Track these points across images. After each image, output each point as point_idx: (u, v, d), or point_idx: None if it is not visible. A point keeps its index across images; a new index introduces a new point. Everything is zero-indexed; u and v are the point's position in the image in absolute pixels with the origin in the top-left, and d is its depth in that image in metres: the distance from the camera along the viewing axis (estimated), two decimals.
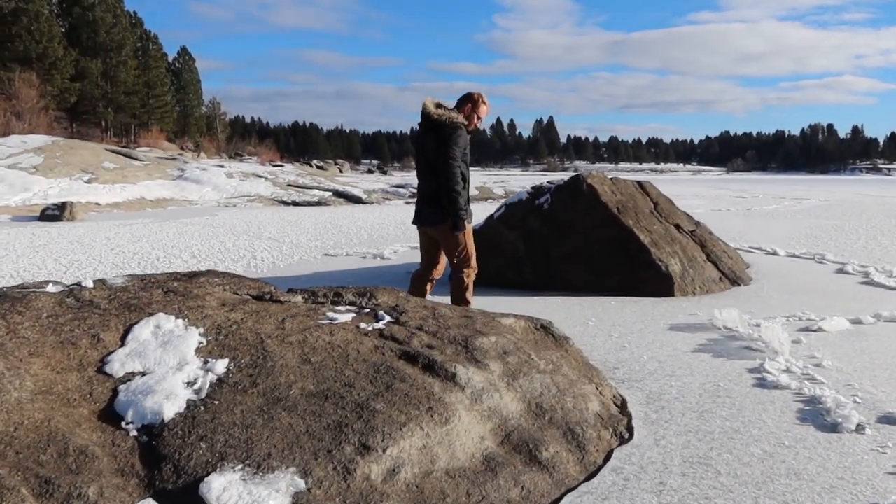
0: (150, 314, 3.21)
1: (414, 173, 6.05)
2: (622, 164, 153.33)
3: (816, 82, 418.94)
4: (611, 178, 8.76)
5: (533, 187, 8.50)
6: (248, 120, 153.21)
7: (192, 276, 3.82)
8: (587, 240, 7.76)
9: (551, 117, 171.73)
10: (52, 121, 50.39)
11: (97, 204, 22.81)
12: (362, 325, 3.56)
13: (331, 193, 27.37)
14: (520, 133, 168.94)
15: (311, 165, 70.63)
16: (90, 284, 3.40)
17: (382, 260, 10.28)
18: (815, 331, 5.76)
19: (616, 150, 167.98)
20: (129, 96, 60.69)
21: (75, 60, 55.06)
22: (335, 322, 3.54)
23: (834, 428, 3.61)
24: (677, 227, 8.65)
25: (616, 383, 4.28)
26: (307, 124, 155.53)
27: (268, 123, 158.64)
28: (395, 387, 2.99)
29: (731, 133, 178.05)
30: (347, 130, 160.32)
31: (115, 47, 58.94)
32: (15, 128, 43.70)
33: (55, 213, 18.39)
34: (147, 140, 58.04)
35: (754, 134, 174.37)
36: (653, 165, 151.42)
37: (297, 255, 10.81)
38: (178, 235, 13.80)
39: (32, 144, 27.20)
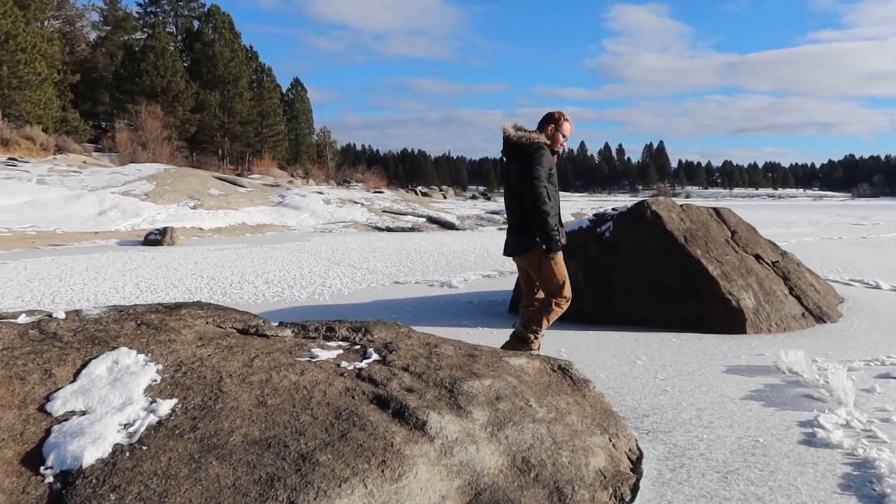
0: (113, 348, 3.08)
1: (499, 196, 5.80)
2: (737, 190, 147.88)
3: None
4: (681, 205, 8.22)
5: (595, 214, 8.08)
6: (358, 147, 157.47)
7: (173, 307, 3.69)
8: (651, 270, 7.27)
9: (661, 142, 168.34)
10: (174, 150, 53.19)
11: (200, 229, 23.70)
12: (343, 364, 3.32)
13: (425, 219, 27.45)
14: (629, 158, 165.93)
15: (415, 192, 71.70)
16: (62, 315, 3.31)
17: (449, 289, 10.04)
18: (894, 378, 5.11)
19: (730, 175, 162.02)
20: (244, 126, 63.32)
21: (195, 93, 58.06)
22: (315, 360, 3.32)
23: (881, 500, 3.08)
24: (757, 257, 8.01)
25: (639, 434, 3.85)
26: (415, 151, 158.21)
27: (377, 151, 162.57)
28: (351, 435, 2.73)
29: (857, 156, 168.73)
30: (455, 157, 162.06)
31: (232, 80, 61.74)
32: (140, 157, 46.46)
33: (157, 238, 19.18)
34: (259, 168, 60.44)
35: (882, 157, 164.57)
36: (770, 191, 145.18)
37: (366, 283, 10.73)
38: (262, 261, 14.04)
39: (146, 172, 28.62)
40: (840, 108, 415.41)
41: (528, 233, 4.84)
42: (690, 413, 4.23)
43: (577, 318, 7.42)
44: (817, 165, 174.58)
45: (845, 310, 8.07)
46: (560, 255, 4.92)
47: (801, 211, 51.68)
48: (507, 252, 5.18)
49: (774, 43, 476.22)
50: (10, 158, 29.19)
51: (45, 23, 59.98)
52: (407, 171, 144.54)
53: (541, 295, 5.19)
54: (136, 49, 56.69)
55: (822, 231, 24.87)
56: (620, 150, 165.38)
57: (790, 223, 31.31)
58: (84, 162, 32.78)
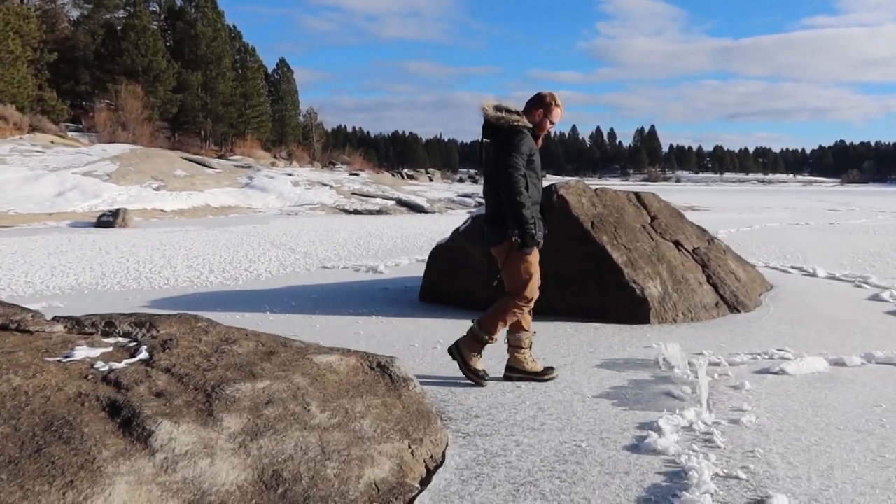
0: None
1: None
2: (727, 175, 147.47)
3: None
4: (596, 189, 7.89)
5: None
6: (349, 130, 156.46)
7: None
8: (556, 258, 6.93)
9: (653, 126, 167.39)
10: (156, 130, 52.53)
11: (162, 210, 23.30)
12: (98, 365, 3.00)
13: (394, 202, 27.10)
14: (620, 142, 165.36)
15: (401, 175, 71.17)
16: None
17: (374, 274, 9.72)
18: (775, 373, 4.81)
19: (721, 160, 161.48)
20: (227, 107, 62.59)
21: (177, 73, 57.26)
22: (67, 360, 2.99)
23: None
24: (677, 244, 7.70)
25: (457, 437, 3.54)
26: (407, 134, 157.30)
27: (369, 133, 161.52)
28: (49, 451, 2.41)
29: (848, 142, 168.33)
30: (446, 140, 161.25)
31: (215, 60, 60.93)
32: (120, 137, 45.81)
33: (109, 219, 18.81)
34: (242, 149, 59.79)
35: (873, 143, 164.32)
36: (760, 176, 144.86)
37: (293, 267, 10.39)
38: (203, 244, 13.68)
39: (112, 153, 28.15)
40: (833, 93, 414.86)
41: (501, 223, 4.39)
42: (528, 413, 3.92)
43: (484, 307, 7.11)
44: (808, 151, 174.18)
45: (768, 298, 7.78)
46: (535, 253, 4.46)
47: (785, 196, 51.51)
48: (482, 240, 4.79)
49: (768, 28, 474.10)
50: None
51: (25, 0, 59.10)
52: (398, 153, 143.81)
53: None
54: (118, 28, 55.86)
55: (795, 217, 24.62)
56: (612, 134, 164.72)
57: (766, 208, 31.08)
58: (52, 142, 32.22)
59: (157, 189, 25.20)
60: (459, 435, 3.58)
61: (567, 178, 8.74)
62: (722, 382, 4.59)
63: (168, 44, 59.79)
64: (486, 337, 4.49)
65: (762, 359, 5.23)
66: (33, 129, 41.10)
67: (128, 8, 61.49)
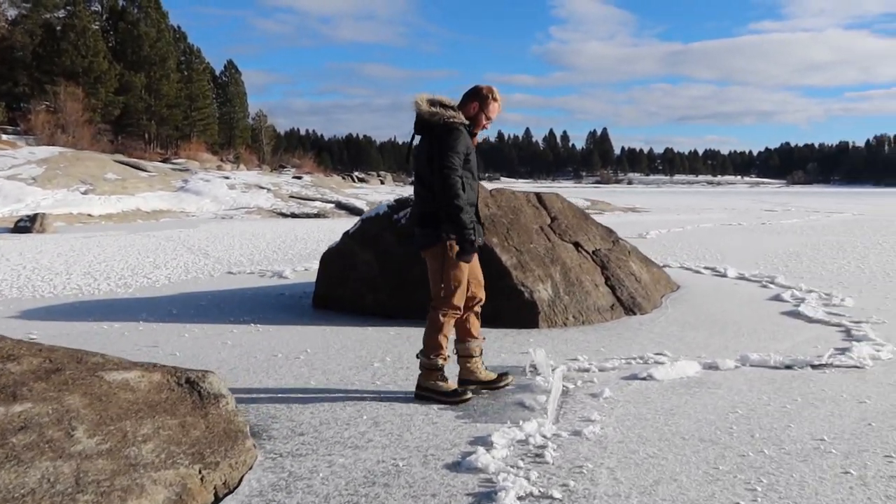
0: None
1: None
2: (677, 176, 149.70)
3: (884, 92, 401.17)
4: (493, 190, 7.67)
5: (396, 200, 7.49)
6: (303, 132, 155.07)
7: None
8: None
9: (605, 129, 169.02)
10: (97, 133, 51.20)
11: (89, 215, 22.57)
12: None
13: (333, 205, 26.71)
14: (573, 145, 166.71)
15: (351, 178, 70.61)
16: None
17: (279, 279, 9.39)
18: (642, 379, 4.62)
19: (671, 162, 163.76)
20: (172, 109, 61.46)
21: (120, 74, 56.00)
22: None
23: None
24: (577, 245, 7.52)
25: (268, 458, 3.25)
26: (361, 137, 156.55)
27: (322, 136, 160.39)
28: None
29: (792, 144, 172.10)
30: (401, 142, 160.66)
31: (159, 61, 59.79)
32: (59, 139, 44.52)
33: (27, 224, 18.11)
34: (187, 152, 58.63)
35: (816, 145, 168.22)
36: (709, 178, 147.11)
37: (196, 273, 9.99)
38: (117, 250, 13.18)
39: (40, 156, 27.29)
40: (779, 97, 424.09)
41: (434, 225, 4.02)
42: (360, 429, 3.64)
43: (376, 312, 6.87)
44: (755, 153, 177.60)
45: (669, 300, 7.65)
46: (475, 258, 4.21)
47: (729, 197, 52.31)
48: (414, 246, 4.28)
49: (717, 33, 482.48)
50: None
51: None
52: (352, 156, 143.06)
53: (479, 290, 4.41)
54: (57, 28, 54.38)
55: (731, 217, 24.86)
56: (565, 137, 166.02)
57: (707, 209, 31.41)
58: None
59: (84, 193, 24.46)
60: (270, 456, 3.28)
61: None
62: (583, 390, 4.38)
63: (110, 44, 58.42)
64: (437, 360, 4.13)
65: (636, 363, 5.04)
66: None
67: (67, 8, 59.87)
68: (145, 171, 28.48)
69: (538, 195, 8.07)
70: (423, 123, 4.10)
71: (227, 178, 28.83)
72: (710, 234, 17.20)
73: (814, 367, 4.98)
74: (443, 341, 4.14)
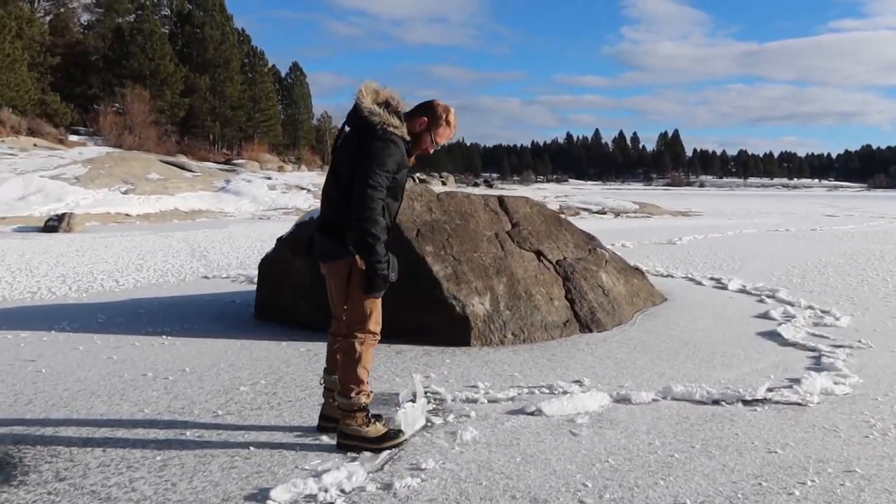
0: None
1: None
2: (751, 180, 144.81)
3: None
4: (441, 193, 7.08)
5: None
6: None
7: None
8: None
9: (676, 130, 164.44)
10: (163, 134, 52.40)
11: (127, 215, 22.81)
12: None
13: None
14: (643, 146, 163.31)
15: (413, 179, 70.48)
16: None
17: (249, 284, 8.97)
18: (529, 413, 4.00)
19: (745, 165, 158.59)
20: (235, 110, 62.49)
21: (185, 76, 57.24)
22: None
23: None
24: (538, 253, 6.87)
25: None
26: None
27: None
28: None
29: (874, 147, 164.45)
30: (468, 144, 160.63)
31: (223, 63, 60.88)
32: (126, 140, 45.79)
33: (55, 224, 18.32)
34: (250, 153, 59.53)
35: None
36: (784, 181, 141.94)
37: (170, 277, 9.70)
38: (122, 250, 13.09)
39: (87, 156, 27.86)
40: (860, 97, 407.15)
41: (338, 236, 3.41)
42: (138, 474, 3.13)
43: (310, 323, 6.37)
44: (834, 156, 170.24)
45: (643, 315, 6.97)
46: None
47: (798, 201, 50.08)
48: (312, 254, 3.65)
49: (794, 32, 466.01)
50: None
51: (35, 3, 59.60)
52: (419, 158, 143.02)
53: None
54: (125, 32, 55.92)
55: (783, 222, 23.54)
56: (635, 138, 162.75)
57: (763, 213, 29.99)
58: (35, 145, 32.04)
59: (125, 193, 24.78)
60: None
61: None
62: (445, 428, 3.78)
63: (176, 47, 59.74)
64: (359, 398, 3.45)
65: (538, 393, 4.41)
66: (32, 132, 41.15)
67: (137, 12, 61.52)
68: (190, 171, 28.78)
69: (500, 199, 7.44)
70: (358, 120, 3.43)
71: (268, 178, 28.91)
72: (747, 240, 16.15)
73: (746, 402, 4.25)
74: (363, 374, 3.47)
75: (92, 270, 10.22)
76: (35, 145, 31.86)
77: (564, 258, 7.05)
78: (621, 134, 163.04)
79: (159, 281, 9.34)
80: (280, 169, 50.78)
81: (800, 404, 4.23)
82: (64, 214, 18.73)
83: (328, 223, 3.48)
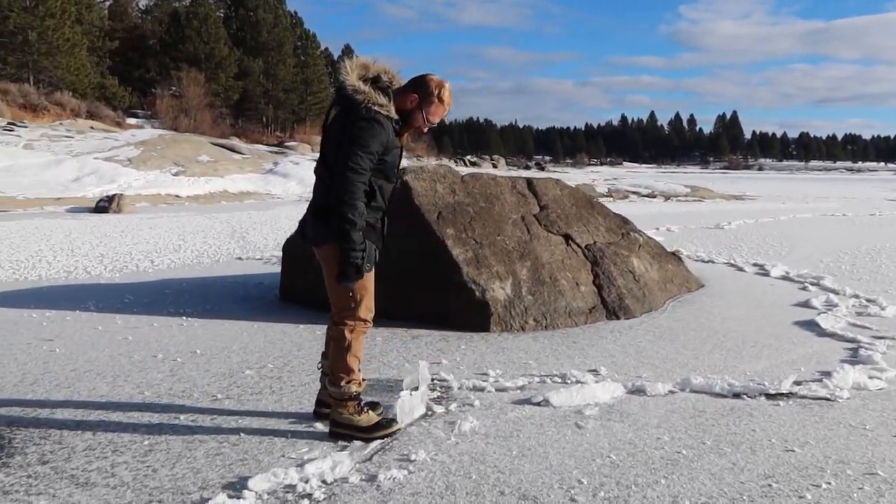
0: None
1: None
2: (813, 163, 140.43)
3: None
4: (466, 175, 6.91)
5: None
6: None
7: None
8: (395, 253, 6.03)
9: (735, 112, 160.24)
10: (217, 117, 53.18)
11: (177, 196, 23.17)
12: None
13: None
14: (700, 129, 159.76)
15: (463, 161, 70.44)
16: None
17: (273, 266, 8.96)
18: (535, 404, 3.85)
19: (807, 148, 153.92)
20: (288, 93, 63.05)
21: (239, 60, 57.90)
22: None
23: None
24: (567, 237, 6.67)
25: None
26: (481, 120, 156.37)
27: (443, 120, 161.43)
28: None
29: None
30: (521, 126, 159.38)
31: (276, 46, 61.38)
32: (182, 123, 46.64)
33: (105, 205, 18.68)
34: (301, 135, 60.04)
35: None
36: (848, 164, 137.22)
37: (205, 257, 9.75)
38: (164, 231, 13.25)
39: (140, 138, 28.33)
40: None
41: (330, 220, 3.24)
42: (122, 458, 3.08)
43: (327, 307, 6.29)
44: None
45: (675, 302, 6.74)
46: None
47: (861, 185, 48.24)
48: (304, 238, 3.54)
49: (862, 8, 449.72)
50: (9, 123, 29.30)
51: None
52: (472, 140, 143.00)
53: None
54: (181, 16, 56.76)
55: (842, 207, 22.69)
56: (692, 121, 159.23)
57: (821, 198, 28.98)
58: (91, 127, 32.77)
59: (175, 174, 25.14)
60: None
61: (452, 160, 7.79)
62: (445, 417, 3.65)
63: (231, 31, 60.38)
64: (350, 386, 3.34)
65: (550, 382, 4.25)
66: (91, 115, 42.11)
67: None
68: (239, 153, 29.09)
69: (529, 181, 7.24)
70: (343, 99, 3.26)
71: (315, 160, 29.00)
72: (799, 225, 15.58)
73: (769, 396, 4.02)
74: (353, 363, 3.35)
75: (131, 251, 10.33)
76: (92, 128, 32.57)
77: (594, 242, 6.83)
78: (678, 116, 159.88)
79: (194, 262, 9.39)
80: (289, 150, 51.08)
81: (828, 399, 3.98)
82: (114, 196, 19.09)
83: (319, 206, 3.34)
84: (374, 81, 3.27)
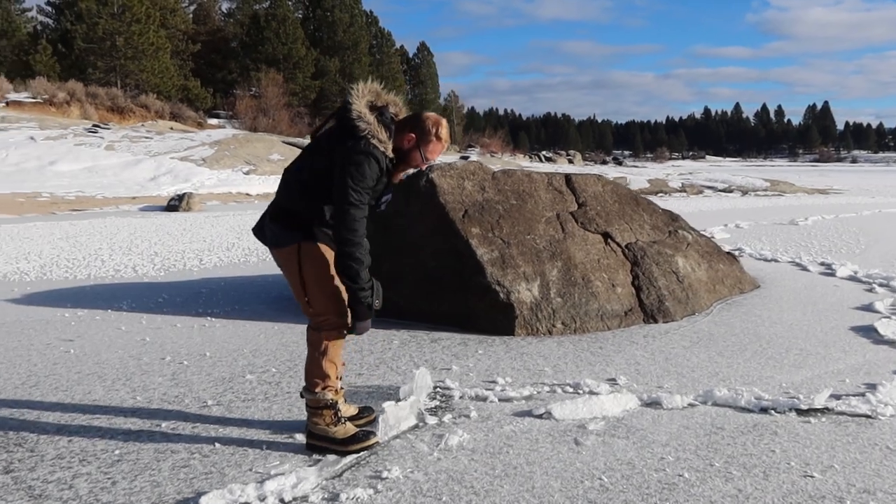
0: None
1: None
2: None
3: None
4: (502, 171, 6.65)
5: None
6: (501, 112, 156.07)
7: None
8: (421, 253, 5.86)
9: (826, 102, 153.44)
10: (294, 116, 54.20)
11: (247, 194, 23.64)
12: None
13: None
14: (788, 120, 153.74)
15: (539, 157, 69.83)
16: None
17: None
18: (537, 416, 3.60)
19: None
20: None
21: (316, 59, 58.86)
22: None
23: None
24: (606, 236, 6.35)
25: None
26: (559, 115, 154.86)
27: (520, 115, 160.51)
28: None
29: None
30: (600, 121, 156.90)
31: (352, 45, 62.11)
32: (261, 123, 47.80)
33: (175, 203, 19.17)
34: None
35: None
36: None
37: (253, 256, 9.78)
38: (226, 229, 13.50)
39: (214, 138, 29.04)
40: None
41: (292, 222, 3.15)
42: (86, 469, 2.99)
43: None
44: None
45: (725, 304, 6.34)
46: (323, 260, 3.15)
47: None
48: (259, 236, 3.36)
49: None
50: (94, 125, 30.47)
51: None
52: (549, 135, 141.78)
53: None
54: (261, 17, 58.03)
55: None
56: (780, 112, 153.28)
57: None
58: (171, 128, 33.78)
59: (247, 173, 25.65)
60: None
61: (471, 157, 7.55)
62: (434, 430, 3.43)
63: (308, 31, 61.36)
64: (325, 394, 3.16)
65: (562, 392, 3.98)
66: (174, 116, 43.52)
67: None
68: None
69: (567, 177, 6.93)
70: (345, 120, 3.07)
71: None
72: (883, 220, 14.66)
73: (800, 412, 3.65)
74: (329, 368, 3.18)
75: (185, 249, 10.48)
76: (171, 129, 33.56)
77: (636, 241, 6.48)
78: (764, 107, 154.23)
79: (241, 260, 9.42)
80: None
81: (868, 417, 3.58)
82: (184, 194, 19.55)
83: (279, 209, 3.20)
84: (381, 112, 3.12)
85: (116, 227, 13.84)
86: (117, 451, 3.14)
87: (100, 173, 24.21)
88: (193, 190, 22.75)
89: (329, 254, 3.13)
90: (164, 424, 3.46)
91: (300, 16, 62.42)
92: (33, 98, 35.64)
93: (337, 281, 3.12)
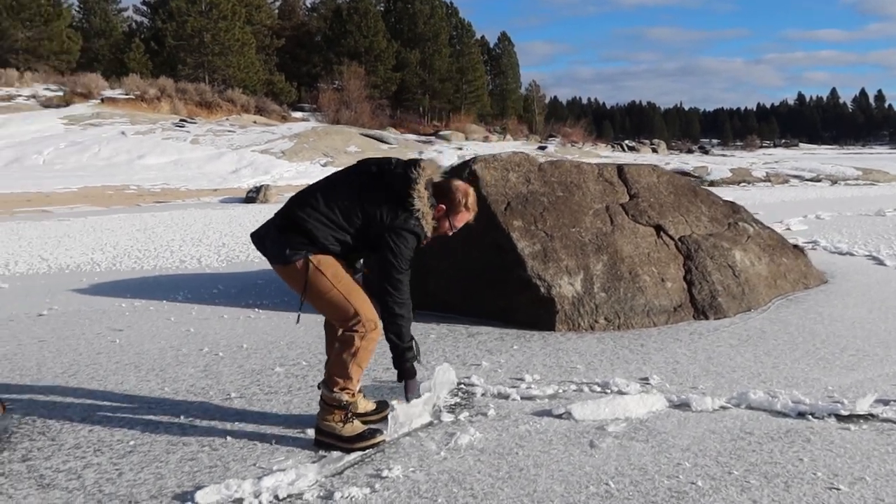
0: None
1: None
2: None
3: None
4: (547, 162, 6.50)
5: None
6: (584, 101, 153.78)
7: None
8: (459, 247, 5.78)
9: None
10: (375, 108, 54.84)
11: None
12: None
13: None
14: (890, 105, 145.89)
15: (621, 147, 68.51)
16: None
17: None
18: (556, 416, 3.49)
19: None
20: (444, 83, 63.76)
21: (396, 51, 59.31)
22: None
23: None
24: (658, 228, 6.15)
25: None
26: (644, 103, 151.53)
27: (604, 104, 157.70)
28: None
29: None
30: (686, 109, 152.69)
31: (432, 37, 62.32)
32: (343, 116, 48.59)
33: (253, 195, 19.66)
34: (456, 124, 60.60)
35: None
36: None
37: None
38: None
39: (295, 131, 29.64)
40: None
41: (300, 239, 3.10)
42: (98, 459, 3.06)
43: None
44: None
45: (785, 300, 6.04)
46: (334, 267, 3.15)
47: None
48: (258, 246, 3.32)
49: None
50: (181, 120, 31.50)
51: None
52: (634, 124, 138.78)
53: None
54: (343, 11, 58.79)
55: None
56: (880, 97, 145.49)
57: None
58: (254, 122, 34.64)
59: (324, 165, 26.08)
60: None
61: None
62: (446, 428, 3.37)
63: (389, 24, 61.81)
64: (342, 395, 3.14)
65: (588, 391, 3.86)
66: (259, 110, 44.65)
67: None
68: (387, 143, 29.72)
69: (619, 168, 6.72)
70: (401, 188, 3.12)
71: (459, 149, 29.15)
72: None
73: (840, 418, 3.42)
74: (355, 372, 3.16)
75: (214, 244, 10.68)
76: (254, 122, 34.41)
77: (690, 234, 6.24)
78: (863, 92, 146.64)
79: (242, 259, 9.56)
80: (486, 139, 51.27)
81: None
82: (262, 186, 20.01)
83: (292, 223, 3.13)
84: (431, 192, 3.21)
85: (193, 219, 14.27)
86: (132, 442, 3.20)
87: (184, 166, 25.01)
88: (272, 182, 23.26)
89: (332, 260, 3.11)
90: (182, 416, 3.52)
91: (381, 9, 62.92)
92: (126, 94, 37.16)
93: (345, 289, 3.09)
